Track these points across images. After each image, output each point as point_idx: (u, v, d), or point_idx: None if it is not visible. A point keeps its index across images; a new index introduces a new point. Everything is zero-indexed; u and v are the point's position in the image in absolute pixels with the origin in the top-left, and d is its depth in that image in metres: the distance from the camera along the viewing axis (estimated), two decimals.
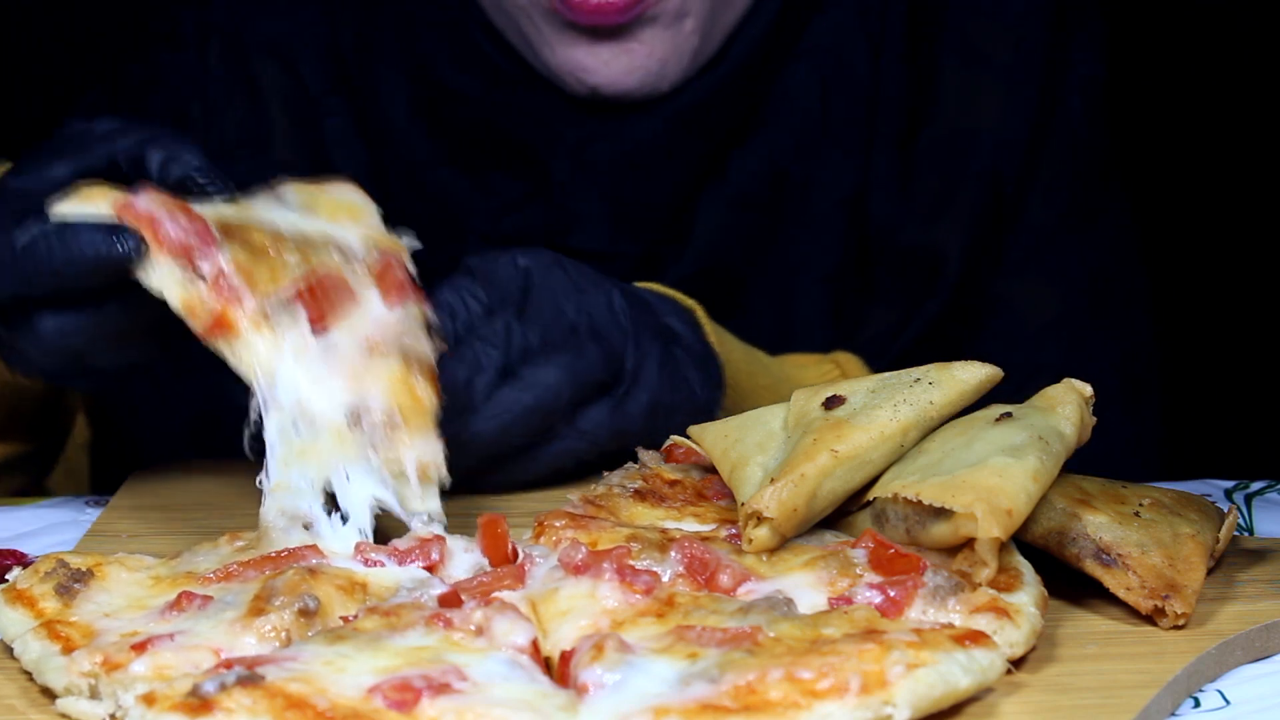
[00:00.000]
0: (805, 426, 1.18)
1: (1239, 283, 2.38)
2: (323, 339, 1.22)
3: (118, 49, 1.76)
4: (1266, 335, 2.34)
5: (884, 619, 1.04)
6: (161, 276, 1.21)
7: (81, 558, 1.14)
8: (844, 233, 1.69)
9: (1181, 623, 1.11)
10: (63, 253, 1.21)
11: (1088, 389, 1.21)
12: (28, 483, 1.59)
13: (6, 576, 1.15)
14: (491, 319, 1.34)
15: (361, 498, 1.20)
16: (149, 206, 1.22)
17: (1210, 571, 1.17)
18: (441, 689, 0.97)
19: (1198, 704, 1.06)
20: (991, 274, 1.70)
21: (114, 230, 1.20)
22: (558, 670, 1.03)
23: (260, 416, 1.21)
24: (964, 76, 1.69)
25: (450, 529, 1.19)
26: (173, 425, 1.69)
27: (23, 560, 1.27)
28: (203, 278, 1.21)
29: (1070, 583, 1.15)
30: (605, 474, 1.28)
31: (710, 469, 1.27)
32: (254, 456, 1.21)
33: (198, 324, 1.21)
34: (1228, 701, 1.07)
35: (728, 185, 1.67)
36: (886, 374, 1.22)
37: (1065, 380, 1.22)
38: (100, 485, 1.54)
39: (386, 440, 1.21)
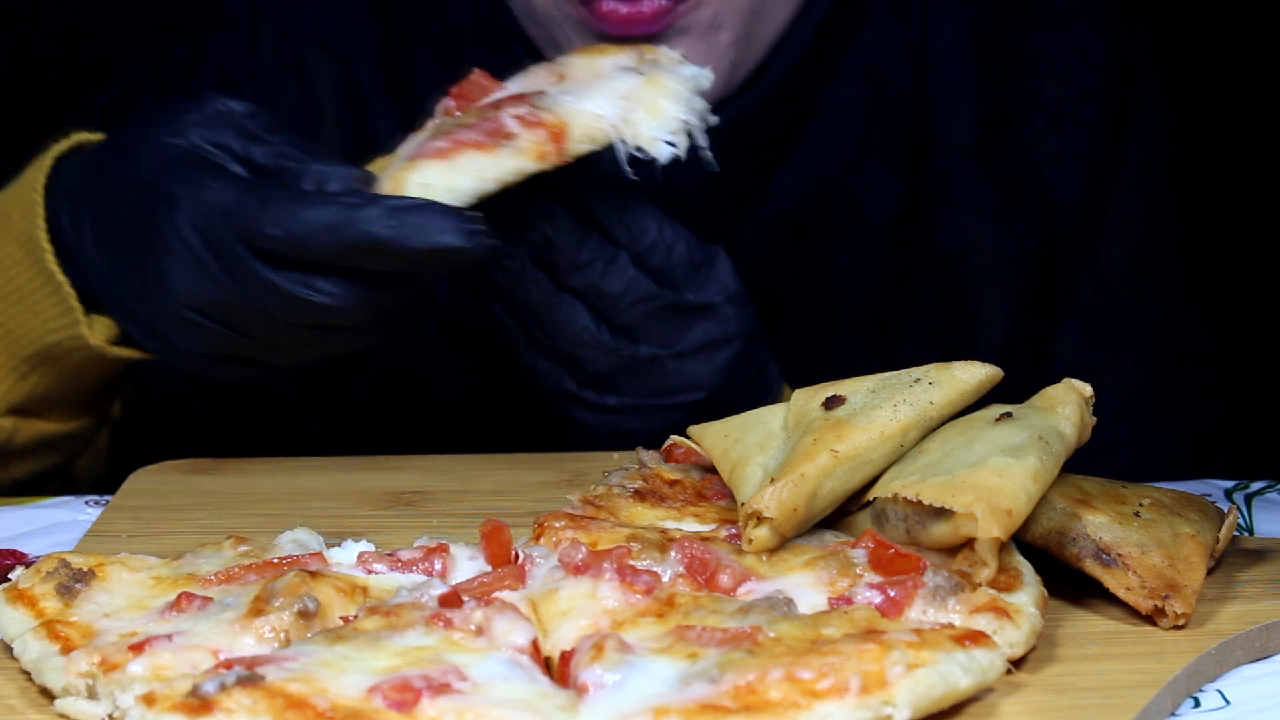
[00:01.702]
0: (805, 426, 1.18)
1: (1239, 283, 2.38)
2: None
3: (162, 23, 1.75)
4: (1266, 335, 2.34)
5: (884, 619, 1.04)
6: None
7: (83, 558, 1.14)
8: (886, 253, 1.68)
9: (1181, 623, 1.11)
10: (417, 239, 1.23)
11: (1088, 389, 1.21)
12: (59, 461, 1.58)
13: (9, 576, 1.15)
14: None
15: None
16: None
17: (1210, 571, 1.17)
18: (441, 689, 0.97)
19: (1198, 704, 1.06)
20: (1049, 329, 1.69)
21: (466, 219, 1.24)
22: (558, 670, 1.03)
23: None
24: (1028, 117, 1.68)
25: (453, 537, 1.19)
26: (194, 415, 1.70)
27: (23, 560, 1.27)
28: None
29: (1070, 583, 1.15)
30: (605, 474, 1.28)
31: (710, 469, 1.27)
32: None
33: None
34: (1228, 701, 1.07)
35: (770, 204, 1.66)
36: (886, 374, 1.22)
37: (1065, 380, 1.22)
38: (100, 485, 1.54)
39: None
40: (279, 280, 1.27)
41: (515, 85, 1.39)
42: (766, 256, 1.66)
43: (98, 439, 1.65)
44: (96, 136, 1.43)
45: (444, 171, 1.29)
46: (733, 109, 1.59)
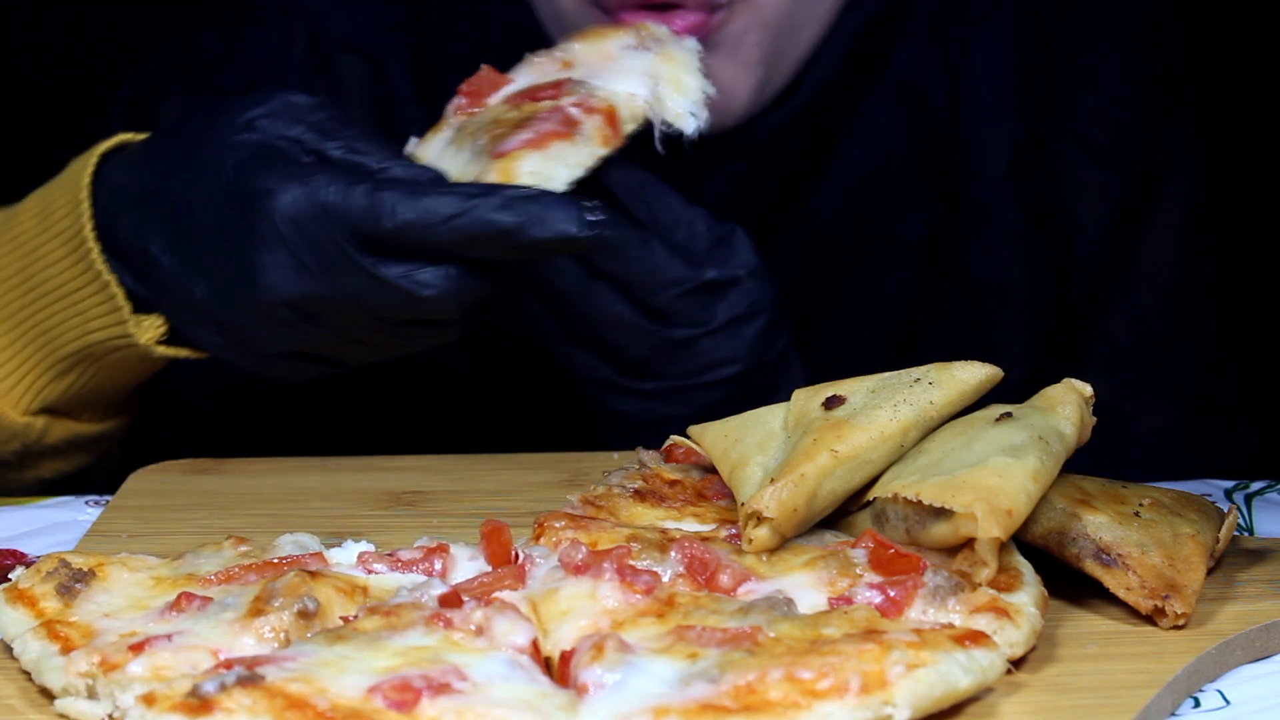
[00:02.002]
0: (805, 426, 1.18)
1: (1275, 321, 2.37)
2: None
3: (192, 18, 1.75)
4: (1266, 335, 2.33)
5: (884, 619, 1.04)
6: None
7: (84, 558, 1.14)
8: (915, 275, 1.68)
9: (1181, 623, 1.11)
10: (539, 229, 1.24)
11: (1088, 389, 1.21)
12: (88, 462, 1.57)
13: (9, 576, 1.15)
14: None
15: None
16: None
17: (1210, 571, 1.17)
18: (441, 689, 0.97)
19: (1198, 704, 1.06)
20: (1073, 367, 1.68)
21: (583, 208, 1.25)
22: (558, 670, 1.03)
23: None
24: (1061, 145, 1.68)
25: (453, 537, 1.19)
26: (195, 416, 1.70)
27: (23, 560, 1.27)
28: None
29: (1070, 583, 1.15)
30: (605, 474, 1.28)
31: (710, 469, 1.27)
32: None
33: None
34: (1228, 701, 1.07)
35: (803, 222, 1.65)
36: (886, 374, 1.22)
37: (1065, 380, 1.22)
38: (100, 485, 1.54)
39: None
40: (384, 273, 1.27)
41: (522, 77, 1.40)
42: (797, 274, 1.66)
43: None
44: (139, 136, 1.42)
45: (544, 161, 1.30)
46: (762, 128, 1.59)
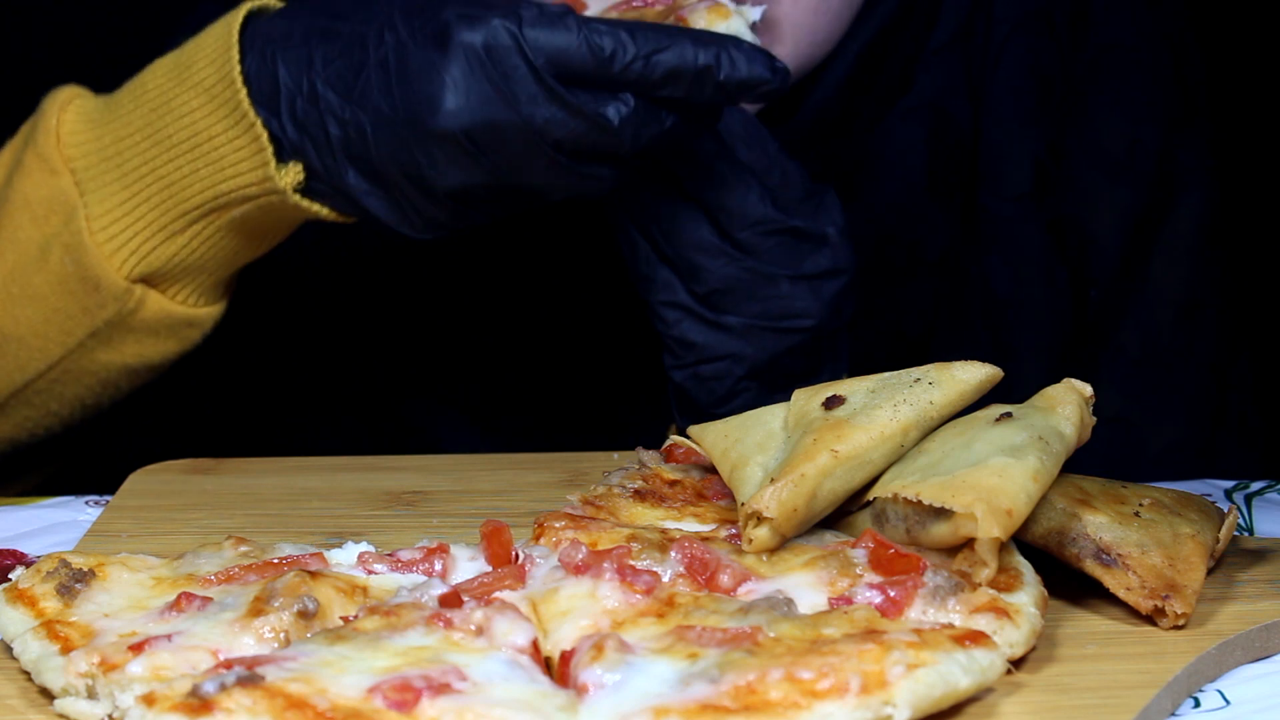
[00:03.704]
0: (805, 426, 1.18)
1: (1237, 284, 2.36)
2: None
3: None
4: (1277, 349, 2.33)
5: (884, 619, 1.04)
6: None
7: (84, 557, 1.14)
8: (936, 292, 1.68)
9: (1181, 623, 1.11)
10: (733, 69, 1.32)
11: (1088, 389, 1.21)
12: (171, 353, 1.54)
13: (9, 576, 1.15)
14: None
15: None
16: None
17: (1210, 571, 1.17)
18: (441, 689, 0.97)
19: (1198, 704, 1.06)
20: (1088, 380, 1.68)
21: (769, 54, 1.33)
22: (558, 670, 1.03)
23: None
24: (1080, 162, 1.69)
25: (453, 537, 1.19)
26: (195, 415, 1.70)
27: (23, 560, 1.27)
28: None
29: (1070, 583, 1.15)
30: (605, 474, 1.28)
31: (710, 469, 1.27)
32: None
33: None
34: (1228, 701, 1.07)
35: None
36: (886, 374, 1.22)
37: (1065, 380, 1.22)
38: (100, 485, 1.54)
39: None
40: (574, 100, 1.32)
41: None
42: None
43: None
44: (280, 2, 1.45)
45: (730, 25, 1.37)
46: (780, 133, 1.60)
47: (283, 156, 1.40)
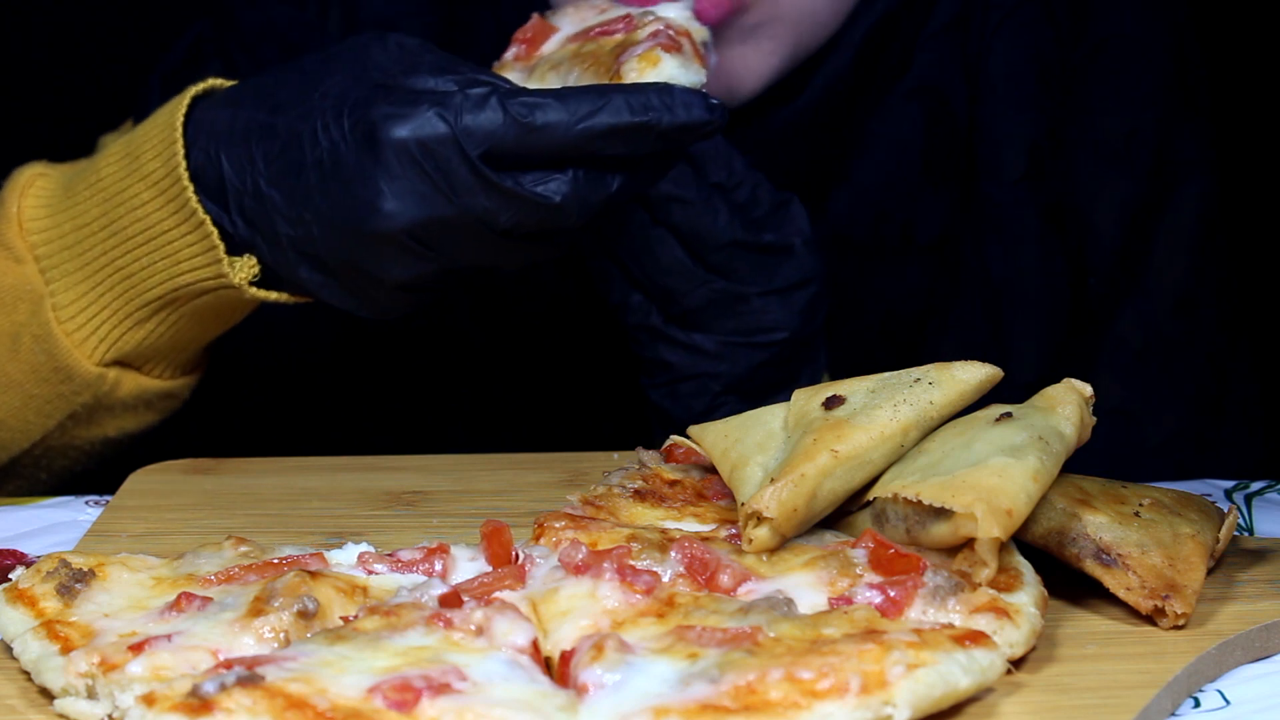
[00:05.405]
0: (805, 426, 1.18)
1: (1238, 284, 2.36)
2: None
3: None
4: (1276, 341, 2.33)
5: (884, 619, 1.04)
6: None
7: (84, 557, 1.14)
8: (931, 276, 1.68)
9: (1181, 623, 1.11)
10: (669, 117, 1.28)
11: (1088, 389, 1.21)
12: (153, 422, 1.55)
13: (9, 576, 1.15)
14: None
15: None
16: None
17: (1210, 571, 1.17)
18: (441, 689, 0.97)
19: (1198, 704, 1.06)
20: (1085, 370, 1.68)
21: (703, 96, 1.29)
22: (558, 670, 1.03)
23: None
24: (1077, 149, 1.68)
25: (453, 537, 1.19)
26: (195, 415, 1.69)
27: (23, 560, 1.27)
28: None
29: (1070, 583, 1.15)
30: (605, 474, 1.28)
31: (710, 469, 1.27)
32: None
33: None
34: (1228, 701, 1.07)
35: (824, 223, 1.66)
36: (886, 374, 1.22)
37: (1065, 380, 1.21)
38: (100, 485, 1.54)
39: None
40: (513, 186, 1.29)
41: (567, 24, 1.42)
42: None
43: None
44: (228, 83, 1.43)
45: (675, 67, 1.33)
46: (774, 122, 1.60)
47: (235, 250, 1.39)
